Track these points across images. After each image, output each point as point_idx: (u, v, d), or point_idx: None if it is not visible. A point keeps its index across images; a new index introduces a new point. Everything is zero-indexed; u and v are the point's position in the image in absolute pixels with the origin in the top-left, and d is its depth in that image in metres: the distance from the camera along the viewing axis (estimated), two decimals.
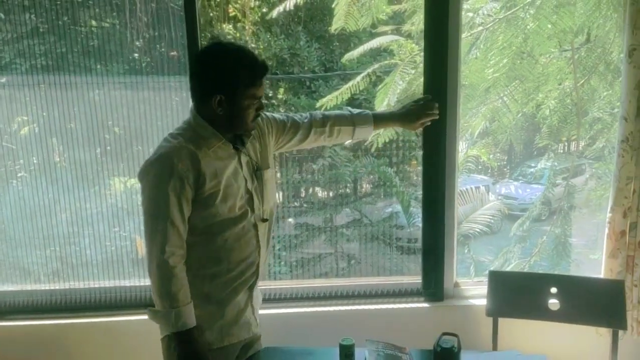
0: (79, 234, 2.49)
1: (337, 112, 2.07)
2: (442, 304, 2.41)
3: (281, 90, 4.67)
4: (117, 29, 2.31)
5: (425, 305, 2.41)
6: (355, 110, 2.05)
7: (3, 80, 2.37)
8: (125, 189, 2.47)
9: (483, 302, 2.32)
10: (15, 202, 2.46)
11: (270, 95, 5.96)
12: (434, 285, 2.42)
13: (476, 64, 3.23)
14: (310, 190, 5.89)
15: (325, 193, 5.71)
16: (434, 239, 2.35)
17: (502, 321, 2.25)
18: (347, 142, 2.17)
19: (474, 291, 2.47)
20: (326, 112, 2.02)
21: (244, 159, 1.78)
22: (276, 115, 1.94)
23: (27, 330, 2.36)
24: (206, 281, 1.75)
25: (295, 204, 5.67)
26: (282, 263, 5.16)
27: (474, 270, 3.76)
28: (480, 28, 3.23)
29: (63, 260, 2.50)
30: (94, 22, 2.39)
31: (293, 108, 5.18)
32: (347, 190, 5.99)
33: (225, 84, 1.62)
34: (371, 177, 5.96)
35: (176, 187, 1.61)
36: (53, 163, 2.43)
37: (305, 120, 1.98)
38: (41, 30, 2.33)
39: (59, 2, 2.31)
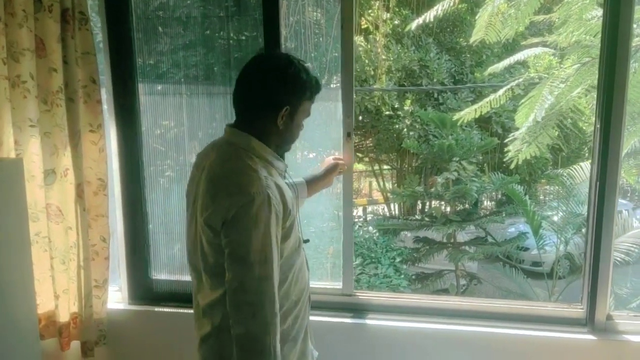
0: None
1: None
2: (592, 337, 2.22)
3: (408, 101, 4.65)
4: (257, 42, 2.43)
5: (575, 336, 2.24)
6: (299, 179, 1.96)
7: (159, 87, 2.60)
8: None
9: (638, 338, 2.12)
10: (163, 199, 2.68)
11: (396, 106, 5.94)
12: (587, 316, 2.24)
13: (635, 78, 2.97)
14: (428, 203, 5.79)
15: (449, 207, 5.58)
16: (590, 264, 2.18)
17: None
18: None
19: (629, 326, 2.25)
20: None
21: (289, 181, 1.64)
22: None
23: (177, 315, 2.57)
24: (282, 321, 1.49)
25: (417, 217, 5.63)
26: (402, 276, 5.14)
27: (614, 302, 3.45)
28: (638, 39, 2.97)
29: None
30: (233, 36, 2.53)
31: (419, 119, 5.10)
32: (469, 206, 5.82)
33: (296, 97, 1.51)
34: (495, 193, 5.72)
35: (275, 227, 1.40)
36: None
37: None
38: (198, 42, 2.52)
39: (207, 18, 2.49)
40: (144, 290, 2.57)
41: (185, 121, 2.55)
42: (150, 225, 2.57)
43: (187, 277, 2.63)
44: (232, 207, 1.36)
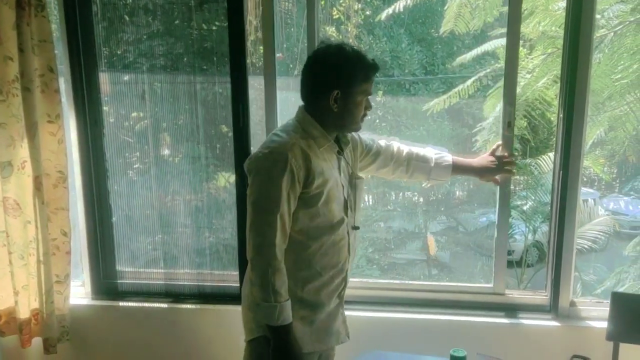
0: (184, 224, 2.62)
1: (421, 149, 2.04)
2: (556, 323, 2.26)
3: (380, 92, 4.66)
4: (227, 32, 2.38)
5: (538, 323, 2.27)
6: (438, 154, 2.03)
7: (126, 78, 2.54)
8: (227, 184, 2.56)
9: (601, 324, 2.16)
10: (130, 191, 2.63)
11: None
12: (551, 303, 2.28)
13: (599, 69, 3.01)
14: (401, 194, 5.83)
15: (419, 198, 5.62)
16: (553, 252, 2.22)
17: (623, 347, 2.09)
18: (424, 184, 2.11)
19: (592, 312, 2.29)
20: (412, 148, 2.01)
21: (342, 165, 1.78)
22: (364, 136, 1.95)
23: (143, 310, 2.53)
24: (299, 284, 1.72)
25: (389, 207, 5.64)
26: (375, 267, 5.15)
27: (581, 289, 3.52)
28: (604, 30, 3.01)
29: (170, 246, 2.64)
30: (204, 25, 2.48)
31: (391, 110, 5.14)
32: (441, 196, 5.86)
33: (344, 79, 1.65)
34: (466, 184, 5.78)
35: (288, 183, 1.60)
36: (163, 156, 2.57)
37: (389, 150, 1.98)
38: (161, 32, 2.47)
39: (176, 6, 2.43)
40: (108, 285, 2.53)
41: (153, 112, 2.50)
42: (114, 218, 2.52)
43: (153, 270, 2.61)
44: (253, 158, 1.64)
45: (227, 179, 2.54)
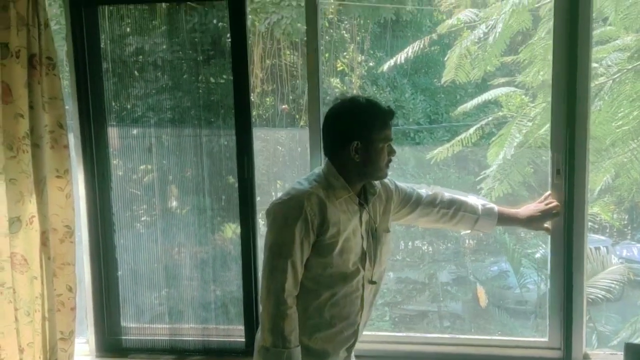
0: (189, 277, 2.60)
1: (466, 198, 2.03)
2: None
3: (393, 147, 4.75)
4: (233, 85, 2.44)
5: None
6: (484, 204, 2.03)
7: (134, 132, 2.59)
8: (234, 235, 2.56)
9: None
10: (136, 245, 2.62)
11: None
12: (564, 355, 2.20)
13: (600, 116, 3.05)
14: (410, 243, 5.79)
15: (428, 247, 5.57)
16: (562, 302, 2.16)
17: None
18: (464, 232, 2.10)
19: None
20: (455, 196, 2.00)
21: (364, 217, 1.80)
22: (404, 185, 1.97)
23: None
24: (307, 331, 1.74)
25: (397, 257, 5.58)
26: (387, 318, 5.05)
27: (597, 340, 3.41)
28: (603, 78, 3.07)
29: (175, 300, 2.60)
30: (212, 79, 2.54)
31: (396, 159, 5.20)
32: (450, 245, 5.80)
33: (361, 129, 1.70)
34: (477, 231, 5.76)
35: (302, 229, 1.66)
36: (170, 208, 2.59)
37: (431, 198, 1.98)
38: (170, 86, 2.53)
39: (184, 62, 2.51)
40: (113, 341, 2.48)
41: (160, 165, 2.53)
42: (120, 272, 2.50)
43: (158, 325, 2.57)
44: (272, 204, 1.73)
45: (233, 230, 2.53)
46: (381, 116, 1.72)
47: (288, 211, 1.68)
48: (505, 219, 2.07)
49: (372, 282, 1.82)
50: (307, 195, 1.68)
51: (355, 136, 1.69)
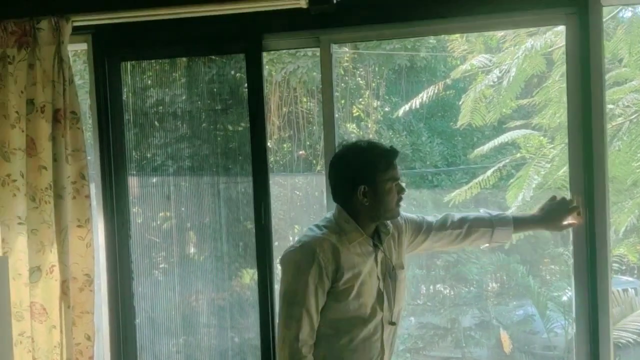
0: (207, 324, 2.58)
1: (474, 213, 2.00)
2: None
3: (403, 185, 4.76)
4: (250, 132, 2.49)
5: None
6: (496, 215, 1.98)
7: (154, 180, 2.64)
8: (252, 281, 2.55)
9: None
10: (154, 292, 2.63)
11: None
12: None
13: (620, 156, 3.02)
14: (432, 287, 5.69)
15: (450, 291, 5.47)
16: (589, 346, 2.08)
17: None
18: (483, 247, 2.05)
19: None
20: (463, 214, 1.98)
21: (379, 256, 1.79)
22: (412, 215, 1.95)
23: None
24: None
25: (418, 301, 5.48)
26: None
27: None
28: (621, 119, 3.06)
29: (193, 348, 2.58)
30: (230, 127, 2.60)
31: (415, 202, 5.19)
32: (473, 288, 5.69)
33: (366, 173, 1.70)
34: (499, 275, 5.62)
35: (315, 277, 1.66)
36: (188, 255, 2.60)
37: (441, 222, 1.95)
38: (189, 135, 2.59)
39: (203, 112, 2.57)
40: None
41: (178, 212, 2.57)
42: (138, 320, 2.50)
43: None
44: (286, 252, 1.74)
45: (251, 276, 2.53)
46: (384, 157, 1.72)
47: (300, 259, 1.68)
48: (522, 225, 2.03)
49: (391, 323, 1.79)
50: (319, 242, 1.68)
51: (361, 180, 1.70)
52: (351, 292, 1.69)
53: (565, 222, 1.98)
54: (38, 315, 2.26)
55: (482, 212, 2.00)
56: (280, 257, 1.76)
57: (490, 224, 1.93)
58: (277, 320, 1.75)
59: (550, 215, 1.97)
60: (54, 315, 2.26)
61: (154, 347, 2.54)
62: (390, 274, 1.79)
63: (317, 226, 1.76)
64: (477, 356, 5.17)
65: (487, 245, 2.00)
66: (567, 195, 2.11)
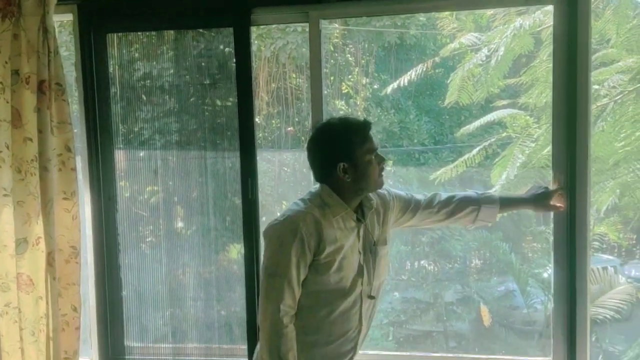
0: (194, 297, 2.61)
1: (462, 193, 2.03)
2: None
3: (390, 162, 4.76)
4: (238, 108, 2.48)
5: None
6: (482, 193, 2.02)
7: (142, 154, 2.63)
8: (238, 255, 2.58)
9: None
10: (141, 265, 2.65)
11: None
12: None
13: (603, 136, 3.07)
14: (416, 263, 5.78)
15: (434, 267, 5.57)
16: (566, 321, 2.14)
17: None
18: (469, 226, 2.08)
19: None
20: (451, 193, 2.00)
21: (362, 231, 1.80)
22: (401, 192, 1.97)
23: None
24: (305, 348, 1.74)
25: (402, 277, 5.57)
26: (391, 337, 5.03)
27: None
28: (606, 100, 3.09)
29: (179, 320, 2.62)
30: (218, 102, 2.59)
31: (401, 179, 5.24)
32: (457, 265, 5.79)
33: (343, 151, 1.71)
34: (482, 252, 5.72)
35: (297, 250, 1.67)
36: (175, 229, 2.62)
37: (428, 200, 1.98)
38: (176, 109, 2.58)
39: (191, 86, 2.55)
40: None
41: (166, 186, 2.57)
42: (124, 292, 2.53)
43: (161, 345, 2.58)
44: (269, 226, 1.74)
45: (238, 251, 2.56)
46: (359, 130, 1.72)
47: (283, 233, 1.69)
48: (508, 204, 2.07)
49: (370, 297, 1.82)
50: (302, 216, 1.69)
51: (339, 158, 1.70)
52: (332, 266, 1.71)
53: (551, 202, 2.03)
54: (24, 286, 2.28)
55: (470, 192, 2.04)
56: (263, 230, 1.78)
57: (477, 202, 1.96)
58: (260, 285, 1.77)
59: (539, 196, 2.03)
60: (40, 287, 2.28)
61: (140, 318, 2.57)
62: (371, 248, 1.80)
63: (302, 200, 1.77)
64: (457, 329, 5.29)
65: (472, 224, 2.03)
66: (550, 174, 2.15)
